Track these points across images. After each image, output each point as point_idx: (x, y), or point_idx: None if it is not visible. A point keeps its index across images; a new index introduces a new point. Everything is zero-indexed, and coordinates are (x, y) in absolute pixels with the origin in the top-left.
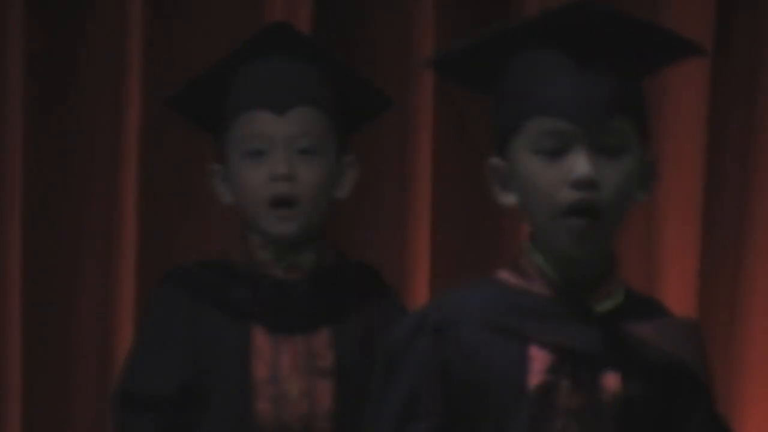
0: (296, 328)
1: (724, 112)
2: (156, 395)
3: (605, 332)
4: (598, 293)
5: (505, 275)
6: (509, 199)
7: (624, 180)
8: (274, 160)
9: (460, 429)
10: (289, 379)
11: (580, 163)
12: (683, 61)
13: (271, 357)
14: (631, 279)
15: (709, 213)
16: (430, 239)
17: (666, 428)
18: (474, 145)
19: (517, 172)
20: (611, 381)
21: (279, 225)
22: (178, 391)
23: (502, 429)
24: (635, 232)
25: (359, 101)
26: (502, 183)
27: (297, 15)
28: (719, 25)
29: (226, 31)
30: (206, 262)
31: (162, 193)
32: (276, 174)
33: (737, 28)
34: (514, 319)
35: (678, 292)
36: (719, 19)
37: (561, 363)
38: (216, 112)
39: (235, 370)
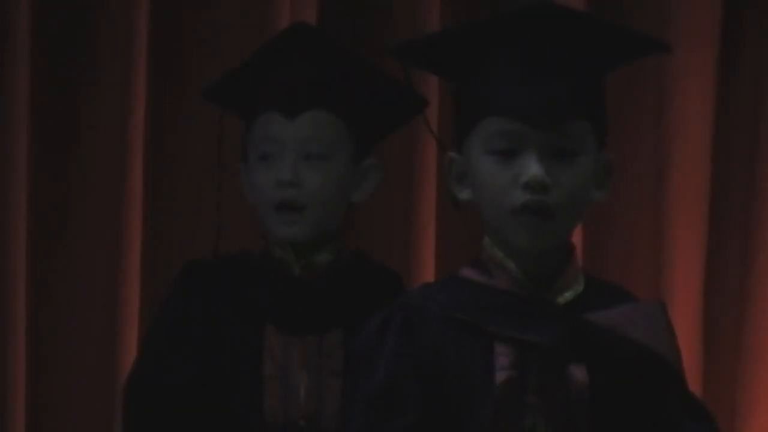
0: (308, 328)
1: (731, 113)
2: (166, 388)
3: (568, 324)
4: (558, 285)
5: (467, 272)
6: (464, 194)
7: (577, 181)
8: (281, 165)
9: (433, 425)
10: (298, 376)
11: (530, 165)
12: (644, 58)
13: (282, 355)
14: (638, 277)
15: (715, 212)
16: (435, 241)
17: (639, 415)
18: None
19: (472, 170)
20: (577, 373)
21: (284, 229)
22: (188, 384)
23: (472, 426)
24: (643, 232)
25: (386, 104)
26: (457, 178)
27: (303, 15)
28: (727, 24)
29: (233, 30)
30: (225, 257)
31: (168, 192)
32: (281, 179)
33: (746, 27)
34: (478, 315)
35: (685, 291)
36: (727, 18)
37: (526, 358)
38: (243, 110)
39: (245, 366)
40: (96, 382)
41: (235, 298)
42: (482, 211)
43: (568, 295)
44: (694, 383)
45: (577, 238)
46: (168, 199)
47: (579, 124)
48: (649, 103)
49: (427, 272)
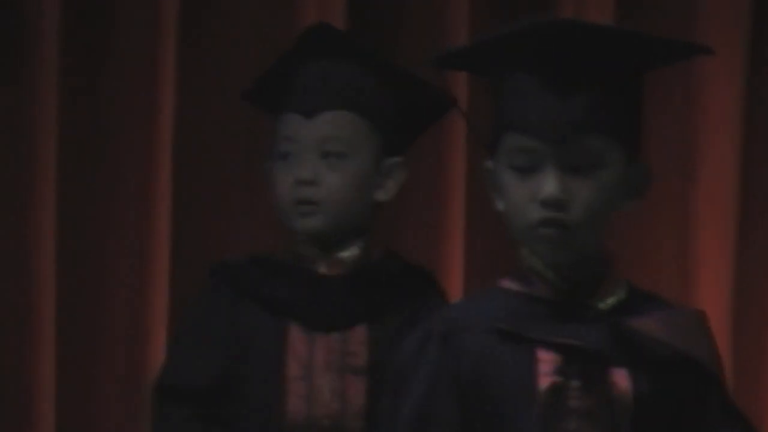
0: (332, 325)
1: (759, 113)
2: (192, 388)
3: (610, 329)
4: (599, 292)
5: (506, 283)
6: (500, 205)
7: (597, 196)
8: (300, 164)
9: None
10: (322, 376)
11: (547, 183)
12: (678, 63)
13: (305, 354)
14: (665, 280)
15: (744, 214)
16: (464, 242)
17: (681, 422)
18: None
19: (499, 182)
20: (620, 378)
21: (303, 221)
22: (213, 384)
23: None
24: (669, 234)
25: (414, 103)
26: (493, 188)
27: (330, 15)
28: (756, 23)
29: (259, 30)
30: (252, 257)
31: (195, 192)
32: (299, 179)
33: None
34: (519, 323)
35: (712, 294)
36: (756, 17)
37: (569, 363)
38: (270, 110)
39: (269, 365)
40: (124, 383)
41: (260, 297)
42: (508, 224)
43: (610, 302)
44: None
45: None
46: (196, 198)
47: (599, 138)
48: (676, 104)
49: (456, 273)
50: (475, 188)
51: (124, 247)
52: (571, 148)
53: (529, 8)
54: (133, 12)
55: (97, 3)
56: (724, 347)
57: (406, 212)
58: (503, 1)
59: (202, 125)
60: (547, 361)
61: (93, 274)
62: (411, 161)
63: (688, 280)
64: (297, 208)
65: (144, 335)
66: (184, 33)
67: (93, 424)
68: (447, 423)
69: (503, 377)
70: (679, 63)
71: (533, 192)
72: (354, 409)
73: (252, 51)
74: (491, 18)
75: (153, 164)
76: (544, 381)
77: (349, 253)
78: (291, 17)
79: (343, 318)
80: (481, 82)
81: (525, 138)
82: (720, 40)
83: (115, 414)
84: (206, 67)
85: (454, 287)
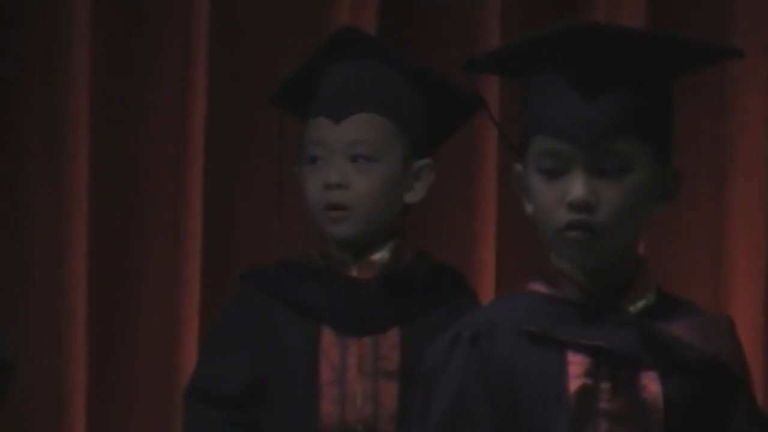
0: (365, 329)
1: None
2: (224, 393)
3: (640, 332)
4: (629, 296)
5: (535, 286)
6: (529, 208)
7: (626, 198)
8: (328, 168)
9: None
10: (355, 380)
11: (575, 185)
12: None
13: (338, 358)
14: (697, 283)
15: None
16: (496, 242)
17: (708, 425)
18: None
19: (527, 185)
20: (650, 381)
21: (334, 226)
22: (245, 389)
23: None
24: (702, 236)
25: (442, 105)
26: (522, 191)
27: (362, 16)
28: None
29: (292, 31)
30: (284, 261)
31: (227, 195)
32: (328, 182)
33: None
34: (549, 325)
35: (746, 297)
36: None
37: (599, 366)
38: (300, 114)
39: (301, 370)
40: (156, 387)
41: (291, 302)
42: (537, 227)
43: (639, 305)
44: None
45: None
46: (228, 202)
47: (628, 142)
48: (709, 105)
49: (488, 273)
50: (506, 191)
51: (156, 250)
52: (599, 151)
53: (561, 11)
54: (165, 13)
55: (130, 4)
56: (758, 350)
57: (439, 215)
58: (535, 3)
59: (233, 128)
60: (577, 364)
61: (124, 276)
62: (443, 164)
63: (720, 284)
64: (327, 213)
65: (175, 338)
66: (217, 32)
67: (124, 429)
68: (477, 425)
69: (533, 379)
70: (710, 67)
71: (561, 195)
72: (387, 413)
73: (284, 53)
74: (523, 20)
75: (185, 166)
76: (574, 383)
77: (380, 256)
78: (324, 19)
79: (375, 321)
80: (512, 84)
81: (554, 141)
82: (754, 42)
83: (147, 418)
84: (238, 69)
85: (486, 290)
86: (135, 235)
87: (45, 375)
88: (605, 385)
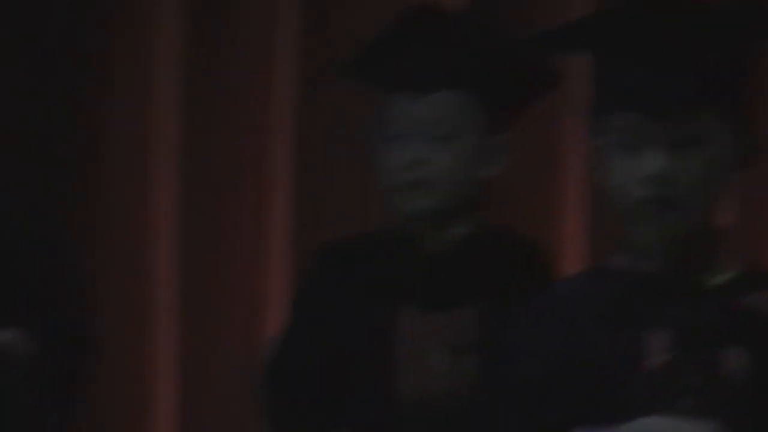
0: (442, 303)
1: None
2: (302, 370)
3: (721, 306)
4: (711, 268)
5: (615, 261)
6: (604, 182)
7: (704, 170)
8: (409, 145)
9: (586, 415)
10: (434, 354)
11: (653, 159)
12: None
13: (416, 332)
14: None
15: None
16: (582, 220)
17: None
18: None
19: (600, 159)
20: (731, 355)
21: (415, 201)
22: (324, 366)
23: (626, 411)
24: None
25: (519, 80)
26: (600, 166)
27: None
28: None
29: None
30: (360, 236)
31: (311, 173)
32: (410, 159)
33: None
34: (629, 301)
35: None
36: None
37: (679, 341)
38: (378, 89)
39: (379, 346)
40: (241, 366)
41: (368, 277)
42: (614, 202)
43: (723, 278)
44: None
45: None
46: (312, 179)
47: (705, 113)
48: None
49: (571, 249)
50: (588, 166)
51: (242, 231)
52: (676, 124)
53: None
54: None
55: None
56: None
57: (521, 191)
58: None
59: (323, 104)
60: (657, 339)
61: (211, 258)
62: (524, 139)
63: None
64: (408, 188)
65: (261, 318)
66: (306, 12)
67: (212, 408)
68: (557, 399)
69: (612, 355)
70: None
71: (639, 169)
72: (466, 387)
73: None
74: None
75: (269, 146)
76: (655, 359)
77: (458, 230)
78: None
79: (453, 296)
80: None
81: (630, 115)
82: None
83: (231, 397)
84: (324, 48)
85: (570, 265)
86: (221, 215)
87: (133, 359)
88: (686, 361)
